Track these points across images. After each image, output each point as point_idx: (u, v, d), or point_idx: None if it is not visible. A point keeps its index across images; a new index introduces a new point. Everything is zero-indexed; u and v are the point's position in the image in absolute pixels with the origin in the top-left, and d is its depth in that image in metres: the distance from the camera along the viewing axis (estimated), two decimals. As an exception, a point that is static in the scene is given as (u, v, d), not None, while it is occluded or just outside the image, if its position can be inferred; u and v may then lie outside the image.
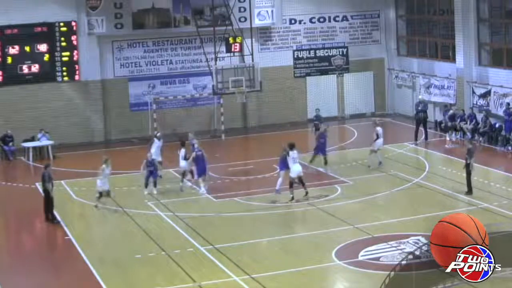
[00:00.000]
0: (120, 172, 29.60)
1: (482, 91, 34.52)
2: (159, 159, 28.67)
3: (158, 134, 29.93)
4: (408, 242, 20.89)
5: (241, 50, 34.44)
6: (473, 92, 35.08)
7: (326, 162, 29.57)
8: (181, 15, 37.59)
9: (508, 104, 32.58)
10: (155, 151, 28.44)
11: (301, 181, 25.62)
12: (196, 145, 27.57)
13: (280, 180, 26.04)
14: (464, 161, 25.78)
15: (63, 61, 36.49)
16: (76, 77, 36.79)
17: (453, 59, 36.60)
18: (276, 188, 26.02)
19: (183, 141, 28.06)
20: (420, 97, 36.93)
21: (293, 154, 25.47)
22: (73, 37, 36.52)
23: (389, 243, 20.95)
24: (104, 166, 25.64)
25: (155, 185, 27.17)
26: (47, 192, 24.73)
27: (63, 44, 36.38)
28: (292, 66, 40.01)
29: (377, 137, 29.84)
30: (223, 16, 36.83)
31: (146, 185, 27.14)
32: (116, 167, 28.51)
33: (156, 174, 27.43)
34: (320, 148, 29.81)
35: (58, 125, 36.33)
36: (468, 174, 25.49)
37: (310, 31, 40.23)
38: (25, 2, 35.54)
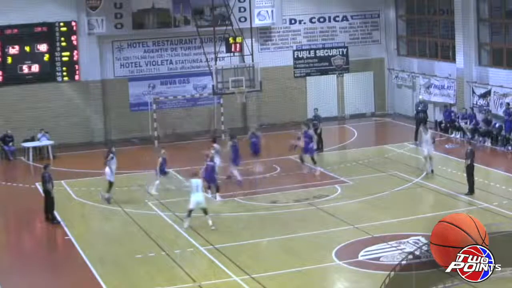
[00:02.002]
0: (120, 172, 29.56)
1: (482, 91, 34.53)
2: (112, 179, 26.30)
3: (114, 149, 27.37)
4: (408, 242, 20.89)
5: (241, 50, 34.41)
6: (473, 92, 35.09)
7: (309, 160, 29.72)
8: (181, 15, 37.59)
9: (508, 104, 32.59)
10: (111, 170, 26.22)
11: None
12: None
13: (235, 172, 27.49)
14: (464, 161, 25.82)
15: (63, 61, 36.48)
16: (76, 77, 36.78)
17: (453, 59, 36.61)
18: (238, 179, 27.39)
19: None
20: (420, 97, 36.94)
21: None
22: (73, 37, 36.52)
23: (389, 243, 20.95)
24: (193, 180, 23.27)
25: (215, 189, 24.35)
26: (47, 193, 24.69)
27: (63, 44, 36.37)
28: (292, 66, 40.01)
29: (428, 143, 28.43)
30: (223, 16, 36.82)
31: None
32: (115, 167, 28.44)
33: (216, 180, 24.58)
34: (305, 148, 29.69)
35: (58, 125, 36.33)
36: (469, 175, 25.47)
37: (310, 31, 40.23)
38: (25, 2, 35.53)
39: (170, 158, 29.66)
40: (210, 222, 22.95)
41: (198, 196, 22.87)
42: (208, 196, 25.92)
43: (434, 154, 28.45)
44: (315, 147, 30.50)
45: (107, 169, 26.21)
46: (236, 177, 27.86)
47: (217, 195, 26.24)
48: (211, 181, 26.07)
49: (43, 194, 25.25)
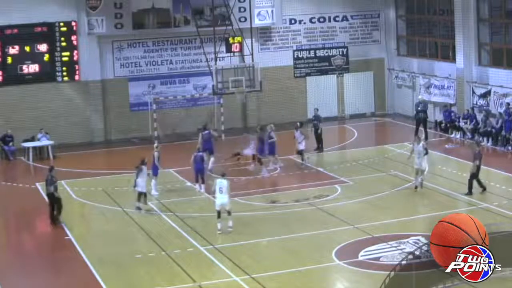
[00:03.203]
0: (120, 172, 29.61)
1: (482, 91, 34.53)
2: (144, 190, 25.40)
3: (146, 161, 25.80)
4: (408, 242, 20.89)
5: (241, 50, 34.34)
6: (473, 92, 35.09)
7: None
8: (181, 15, 37.58)
9: (508, 104, 32.59)
10: (142, 180, 25.18)
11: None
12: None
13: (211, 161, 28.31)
14: (472, 163, 25.63)
15: (63, 61, 36.47)
16: (76, 77, 36.77)
17: (453, 59, 36.60)
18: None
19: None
20: (420, 97, 36.92)
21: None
22: (73, 37, 36.51)
23: (389, 243, 20.95)
24: (217, 180, 22.86)
25: None
26: (51, 195, 24.46)
27: (63, 44, 36.36)
28: (292, 66, 40.00)
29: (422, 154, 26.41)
30: (223, 16, 36.80)
31: None
32: (116, 167, 28.51)
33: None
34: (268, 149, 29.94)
35: (58, 125, 36.32)
36: (472, 176, 25.38)
37: (310, 31, 40.23)
38: (25, 2, 35.52)
39: (170, 158, 29.71)
40: (230, 223, 22.78)
41: (222, 198, 22.46)
42: (195, 187, 26.72)
43: (425, 167, 26.47)
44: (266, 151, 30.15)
45: (139, 180, 25.13)
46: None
47: (203, 186, 26.87)
48: (199, 171, 26.75)
49: (46, 199, 24.95)
